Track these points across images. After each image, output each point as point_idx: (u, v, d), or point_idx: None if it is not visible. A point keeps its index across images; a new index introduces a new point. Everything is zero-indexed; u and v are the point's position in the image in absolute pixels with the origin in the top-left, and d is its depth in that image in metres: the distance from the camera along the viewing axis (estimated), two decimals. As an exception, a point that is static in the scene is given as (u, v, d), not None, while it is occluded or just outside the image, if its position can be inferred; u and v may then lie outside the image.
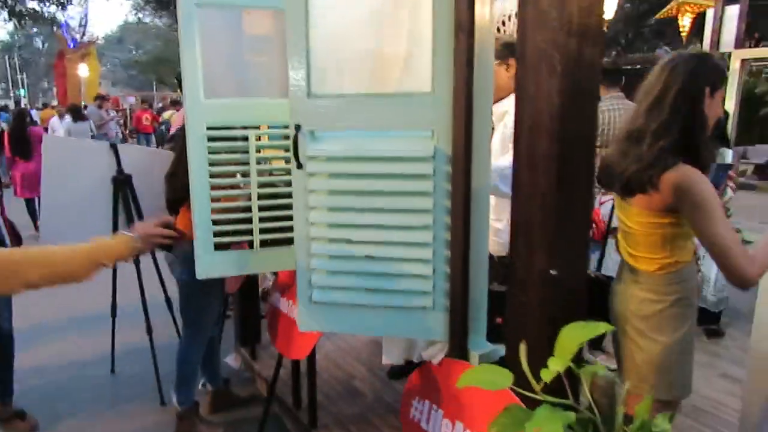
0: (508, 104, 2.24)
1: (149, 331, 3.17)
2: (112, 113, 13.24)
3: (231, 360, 3.47)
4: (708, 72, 1.51)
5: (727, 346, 3.44)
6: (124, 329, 3.45)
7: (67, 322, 4.33)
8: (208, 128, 2.15)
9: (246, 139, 2.22)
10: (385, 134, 1.58)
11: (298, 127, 1.59)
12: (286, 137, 2.36)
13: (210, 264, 2.23)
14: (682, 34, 9.37)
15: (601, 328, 1.13)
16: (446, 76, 1.51)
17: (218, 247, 2.24)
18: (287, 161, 2.37)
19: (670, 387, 1.61)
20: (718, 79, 1.54)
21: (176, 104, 10.84)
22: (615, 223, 2.23)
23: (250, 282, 3.35)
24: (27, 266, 1.31)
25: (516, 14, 2.83)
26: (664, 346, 1.57)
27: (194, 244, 2.21)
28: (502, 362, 1.68)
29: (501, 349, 1.68)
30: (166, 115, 10.04)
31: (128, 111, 15.64)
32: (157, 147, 11.24)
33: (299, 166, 1.63)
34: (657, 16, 9.61)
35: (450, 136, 1.53)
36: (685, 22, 9.15)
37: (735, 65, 6.81)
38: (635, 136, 1.53)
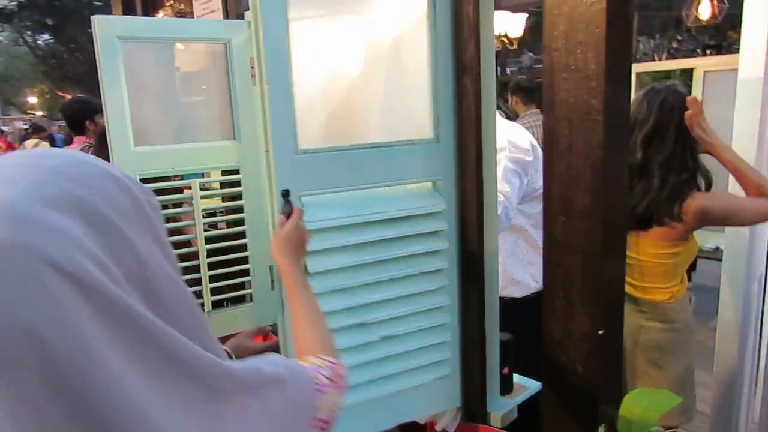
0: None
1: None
2: (-43, 143, 11.57)
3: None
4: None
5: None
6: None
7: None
8: (141, 180, 1.85)
9: (188, 188, 1.94)
10: (388, 190, 1.39)
11: (286, 194, 1.22)
12: (233, 184, 2.12)
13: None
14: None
15: (672, 399, 1.06)
16: (449, 122, 1.38)
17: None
18: (232, 211, 2.11)
19: (682, 412, 1.62)
20: None
21: (40, 131, 9.65)
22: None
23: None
24: None
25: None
26: (676, 373, 1.59)
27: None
28: (522, 416, 1.59)
29: (515, 402, 1.59)
30: (29, 144, 8.83)
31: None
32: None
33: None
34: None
35: (455, 187, 1.41)
36: (585, 38, 9.79)
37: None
38: (637, 170, 1.53)
